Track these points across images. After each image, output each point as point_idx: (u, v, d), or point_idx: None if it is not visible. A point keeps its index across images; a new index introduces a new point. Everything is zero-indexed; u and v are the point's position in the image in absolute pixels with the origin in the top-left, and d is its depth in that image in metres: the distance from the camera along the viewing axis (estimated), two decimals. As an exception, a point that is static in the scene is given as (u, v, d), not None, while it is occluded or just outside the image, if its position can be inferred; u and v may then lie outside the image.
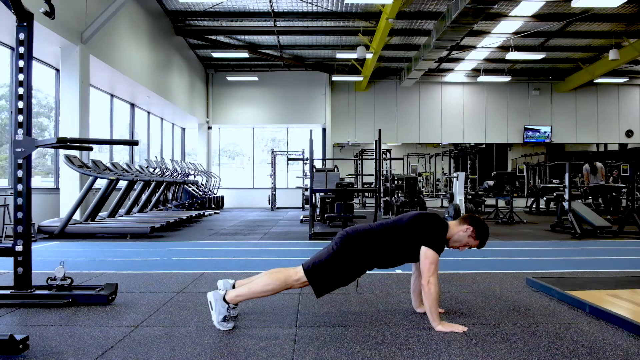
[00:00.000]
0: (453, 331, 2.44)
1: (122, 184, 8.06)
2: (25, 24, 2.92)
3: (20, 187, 2.89)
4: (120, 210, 8.49)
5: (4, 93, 7.84)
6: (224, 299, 2.47)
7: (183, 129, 17.85)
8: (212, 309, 2.47)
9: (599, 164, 10.19)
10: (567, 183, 7.59)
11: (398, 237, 2.58)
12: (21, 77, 2.92)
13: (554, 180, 15.06)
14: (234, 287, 2.64)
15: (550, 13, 12.07)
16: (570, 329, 2.52)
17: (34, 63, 7.94)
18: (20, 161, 2.88)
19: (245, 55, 14.37)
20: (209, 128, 17.74)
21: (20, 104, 2.91)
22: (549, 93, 18.94)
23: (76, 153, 7.09)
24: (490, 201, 12.30)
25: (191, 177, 12.98)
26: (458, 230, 2.65)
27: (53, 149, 8.44)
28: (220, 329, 2.44)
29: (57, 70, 8.59)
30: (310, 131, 8.21)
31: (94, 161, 7.28)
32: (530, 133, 18.69)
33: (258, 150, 18.61)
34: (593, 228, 7.20)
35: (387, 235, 2.58)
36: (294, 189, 16.88)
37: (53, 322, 2.60)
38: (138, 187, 8.93)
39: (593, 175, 10.20)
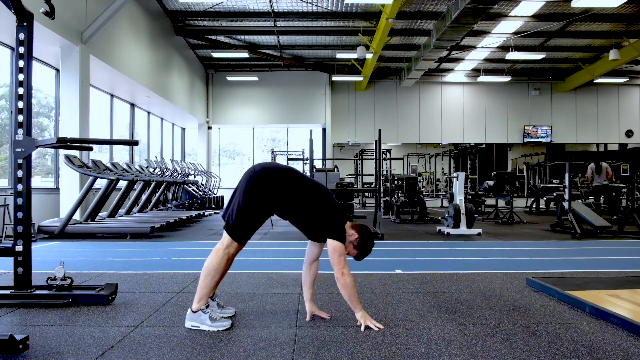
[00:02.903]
0: (367, 325, 2.47)
1: (122, 184, 8.05)
2: (25, 24, 2.92)
3: (20, 187, 2.89)
4: (120, 210, 8.49)
5: (4, 93, 7.84)
6: (193, 312, 2.49)
7: (183, 129, 17.85)
8: (199, 326, 2.47)
9: (604, 164, 10.18)
10: (567, 183, 7.59)
11: (298, 201, 2.51)
12: (21, 77, 2.92)
13: (554, 180, 15.06)
14: None
15: (550, 13, 12.07)
16: (570, 329, 2.51)
17: (34, 63, 7.95)
18: (20, 161, 2.88)
19: (245, 55, 14.38)
20: (209, 128, 17.74)
21: (20, 104, 2.91)
22: (549, 93, 18.94)
23: (76, 153, 7.08)
24: (490, 201, 12.31)
25: (191, 177, 12.97)
26: (346, 231, 2.59)
27: (53, 149, 8.44)
28: (220, 330, 2.44)
29: (57, 70, 8.59)
30: (310, 131, 8.22)
31: (94, 161, 7.28)
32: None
33: (258, 150, 18.62)
34: (593, 228, 7.20)
35: (290, 187, 2.50)
36: (294, 189, 16.85)
37: (53, 322, 2.60)
38: (138, 187, 8.92)
39: (597, 175, 10.19)
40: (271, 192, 2.47)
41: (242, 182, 2.50)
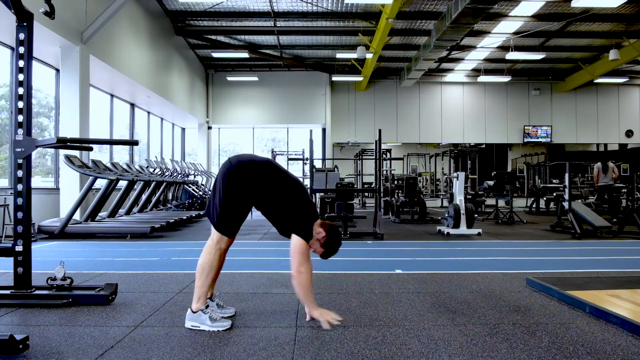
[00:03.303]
0: (327, 319, 2.48)
1: (122, 184, 8.05)
2: (25, 24, 2.92)
3: (20, 187, 2.89)
4: (120, 210, 8.48)
5: (4, 93, 7.84)
6: (193, 312, 2.49)
7: (183, 129, 17.85)
8: (199, 326, 2.46)
9: (610, 164, 10.16)
10: (567, 183, 7.59)
11: (272, 193, 2.51)
12: (21, 77, 2.92)
13: (554, 180, 15.06)
14: None
15: (550, 13, 12.07)
16: (570, 329, 2.52)
17: (34, 63, 7.95)
18: (20, 161, 2.88)
19: (245, 55, 14.38)
20: (209, 128, 17.75)
21: (20, 104, 2.91)
22: (549, 93, 18.95)
23: (76, 153, 7.08)
24: (490, 201, 12.30)
25: (191, 177, 12.97)
26: (314, 229, 2.57)
27: (53, 149, 8.44)
28: (220, 330, 2.44)
29: (57, 70, 8.59)
30: (310, 131, 8.22)
31: (94, 161, 7.28)
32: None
33: (258, 150, 18.63)
34: (593, 228, 7.19)
35: (264, 179, 2.50)
36: (294, 189, 16.85)
37: (53, 322, 2.60)
38: (138, 187, 8.92)
39: (604, 175, 10.17)
40: (247, 185, 2.47)
41: (220, 176, 2.50)
